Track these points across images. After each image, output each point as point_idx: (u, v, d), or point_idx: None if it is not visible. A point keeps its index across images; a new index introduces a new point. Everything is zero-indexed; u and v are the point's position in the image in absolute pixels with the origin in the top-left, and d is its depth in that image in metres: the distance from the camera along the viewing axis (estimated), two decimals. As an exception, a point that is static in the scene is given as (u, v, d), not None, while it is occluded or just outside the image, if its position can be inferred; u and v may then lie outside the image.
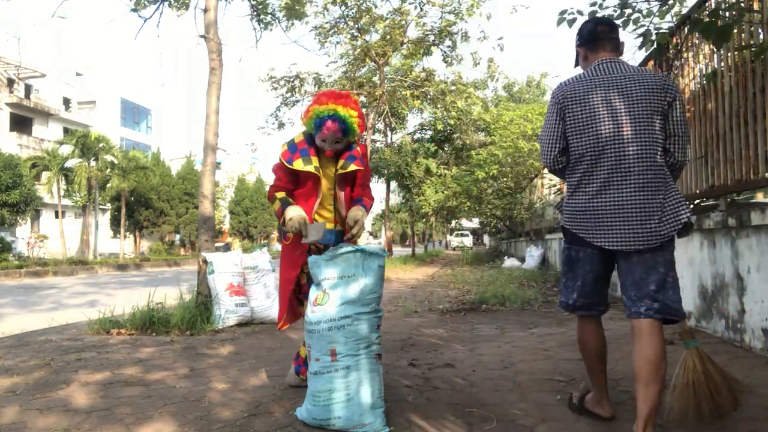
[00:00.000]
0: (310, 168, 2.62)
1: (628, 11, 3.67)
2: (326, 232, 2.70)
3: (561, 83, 2.33)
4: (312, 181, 2.70)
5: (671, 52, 4.65)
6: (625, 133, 2.12)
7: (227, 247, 27.77)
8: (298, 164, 2.63)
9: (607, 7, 3.68)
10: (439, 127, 20.14)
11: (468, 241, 43.94)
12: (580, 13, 3.73)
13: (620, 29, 3.61)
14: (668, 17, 4.18)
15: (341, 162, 2.68)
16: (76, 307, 7.03)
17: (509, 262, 13.68)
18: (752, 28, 3.47)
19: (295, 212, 2.58)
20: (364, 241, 34.26)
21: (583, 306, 2.31)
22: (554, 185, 10.35)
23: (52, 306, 7.45)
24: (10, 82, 29.94)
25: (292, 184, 2.73)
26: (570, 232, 2.27)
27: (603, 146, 2.14)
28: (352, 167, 2.66)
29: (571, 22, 3.73)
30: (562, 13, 3.75)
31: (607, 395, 2.38)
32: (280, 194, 2.71)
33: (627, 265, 2.17)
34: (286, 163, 2.66)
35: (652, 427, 2.01)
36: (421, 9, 12.43)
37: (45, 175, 24.08)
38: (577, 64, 2.50)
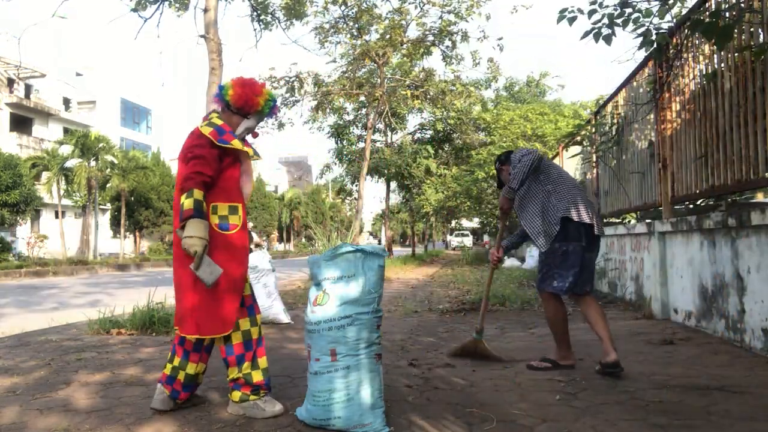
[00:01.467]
0: (250, 150, 2.51)
1: (628, 11, 3.67)
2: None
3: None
4: (238, 167, 2.54)
5: (671, 52, 4.65)
6: None
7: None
8: (237, 143, 2.47)
9: (607, 6, 3.68)
10: (439, 126, 20.14)
11: (468, 240, 43.95)
12: (580, 11, 3.73)
13: (620, 28, 3.62)
14: (668, 17, 4.17)
15: (249, 149, 2.61)
16: (76, 307, 7.02)
17: (509, 262, 13.68)
18: (752, 29, 3.47)
19: (204, 234, 2.32)
20: (365, 241, 34.29)
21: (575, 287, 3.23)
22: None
23: (53, 306, 7.45)
24: (10, 82, 29.94)
25: (215, 173, 2.44)
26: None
27: None
28: (252, 152, 2.61)
29: (571, 20, 3.73)
30: (563, 11, 3.75)
31: (571, 349, 3.33)
32: (199, 193, 2.35)
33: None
34: (219, 143, 2.42)
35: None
36: (422, 9, 12.43)
37: (45, 175, 24.08)
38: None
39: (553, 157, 11.43)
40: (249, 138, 2.71)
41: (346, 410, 2.25)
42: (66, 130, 31.12)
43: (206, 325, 2.44)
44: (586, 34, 3.71)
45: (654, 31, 3.78)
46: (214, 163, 2.43)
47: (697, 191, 4.36)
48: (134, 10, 6.90)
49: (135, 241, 29.41)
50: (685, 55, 4.52)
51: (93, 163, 24.34)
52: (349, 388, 2.26)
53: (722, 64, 3.86)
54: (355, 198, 21.87)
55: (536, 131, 15.57)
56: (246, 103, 2.57)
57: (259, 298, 5.25)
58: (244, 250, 2.62)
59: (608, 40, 3.67)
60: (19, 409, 2.63)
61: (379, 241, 37.56)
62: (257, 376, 2.50)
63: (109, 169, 24.97)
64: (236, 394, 2.50)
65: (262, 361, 2.55)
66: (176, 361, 2.54)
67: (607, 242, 6.96)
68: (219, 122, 2.54)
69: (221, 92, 2.61)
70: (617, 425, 2.29)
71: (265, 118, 2.68)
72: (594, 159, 7.89)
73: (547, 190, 3.28)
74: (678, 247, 4.68)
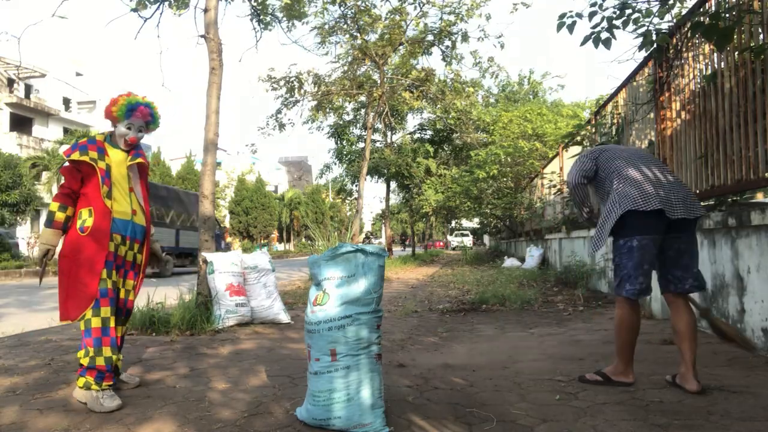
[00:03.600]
0: (86, 158, 2.83)
1: (628, 11, 3.67)
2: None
3: None
4: (96, 176, 2.84)
5: (671, 52, 4.65)
6: None
7: (227, 247, 27.75)
8: (75, 155, 2.83)
9: (606, 8, 3.68)
10: (439, 125, 20.13)
11: (468, 240, 43.97)
12: (579, 16, 3.73)
13: (620, 30, 3.62)
14: (668, 17, 4.18)
15: (130, 156, 2.99)
16: (76, 307, 7.00)
17: (509, 262, 13.68)
18: (752, 29, 3.47)
19: (56, 242, 2.86)
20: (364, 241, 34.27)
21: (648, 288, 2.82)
22: (554, 185, 10.33)
23: (53, 306, 7.44)
24: (10, 82, 29.93)
25: (76, 183, 2.83)
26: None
27: None
28: (139, 160, 3.01)
29: (571, 27, 3.73)
30: (562, 16, 3.76)
31: (631, 365, 2.88)
32: (60, 213, 2.81)
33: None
34: (66, 156, 2.88)
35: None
36: (421, 9, 12.42)
37: (45, 175, 24.07)
38: None
39: (553, 158, 11.42)
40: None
41: (346, 410, 2.25)
42: (66, 130, 31.12)
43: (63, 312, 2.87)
44: (586, 39, 3.71)
45: (654, 32, 3.79)
46: (70, 177, 2.84)
47: (697, 191, 4.36)
48: (134, 10, 6.89)
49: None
50: (685, 55, 4.52)
51: (93, 163, 24.31)
52: (349, 388, 2.26)
53: (722, 64, 3.86)
54: (355, 198, 21.87)
55: (536, 131, 15.58)
56: (109, 115, 2.98)
57: (259, 298, 5.26)
58: (98, 250, 2.84)
59: (608, 44, 3.67)
60: (19, 409, 2.63)
61: (369, 240, 37.48)
62: (100, 362, 2.71)
63: (109, 169, 24.93)
64: (81, 380, 2.72)
65: (107, 350, 2.75)
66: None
67: (607, 242, 6.96)
68: (82, 140, 2.95)
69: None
70: (617, 425, 2.29)
71: (136, 122, 2.98)
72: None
73: (607, 185, 2.93)
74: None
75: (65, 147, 24.26)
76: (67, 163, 2.84)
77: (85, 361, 2.70)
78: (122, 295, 2.98)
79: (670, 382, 2.84)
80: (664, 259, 2.82)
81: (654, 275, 2.87)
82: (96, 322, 2.75)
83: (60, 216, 2.80)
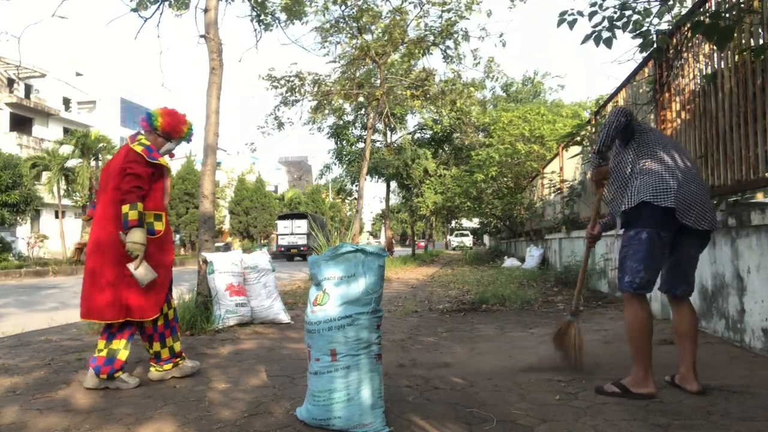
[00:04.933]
0: (165, 162, 3.14)
1: (628, 12, 3.67)
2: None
3: None
4: (162, 180, 3.14)
5: (671, 52, 4.65)
6: None
7: (227, 247, 27.78)
8: (163, 160, 3.12)
9: (607, 8, 3.68)
10: (439, 127, 20.13)
11: (468, 240, 43.98)
12: (580, 14, 3.73)
13: (620, 30, 3.62)
14: (667, 17, 4.18)
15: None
16: (76, 307, 6.99)
17: (509, 262, 13.68)
18: (752, 29, 3.47)
19: (145, 241, 2.93)
20: (364, 241, 34.29)
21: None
22: (554, 185, 10.34)
23: (53, 306, 7.44)
24: (10, 82, 29.92)
25: (148, 185, 3.03)
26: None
27: None
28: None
29: (572, 24, 3.73)
30: (563, 14, 3.76)
31: (651, 371, 2.64)
32: (140, 205, 2.93)
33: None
34: (150, 160, 3.02)
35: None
36: (421, 8, 12.41)
37: (45, 175, 24.05)
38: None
39: (553, 158, 11.42)
40: (166, 157, 3.27)
41: (346, 410, 2.25)
42: (66, 130, 31.09)
43: (137, 311, 3.03)
44: (587, 37, 3.71)
45: (654, 33, 3.79)
46: (147, 178, 3.00)
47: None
48: (134, 10, 6.89)
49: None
50: (685, 55, 4.52)
51: (93, 163, 24.31)
52: (349, 388, 2.26)
53: (722, 63, 3.86)
54: (355, 198, 21.87)
55: (534, 132, 15.57)
56: (173, 130, 3.23)
57: (259, 298, 5.26)
58: (167, 251, 3.17)
59: (609, 43, 3.67)
60: (19, 409, 2.63)
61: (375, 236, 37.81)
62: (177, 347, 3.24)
63: (109, 169, 24.91)
64: (168, 365, 3.18)
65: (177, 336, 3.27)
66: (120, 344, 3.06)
67: (606, 242, 6.96)
68: (147, 142, 3.10)
69: (150, 119, 3.20)
70: (617, 425, 2.29)
71: (183, 139, 3.32)
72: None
73: (634, 161, 2.73)
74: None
75: (66, 147, 24.27)
76: (146, 166, 3.00)
77: (165, 353, 3.17)
78: None
79: (669, 382, 2.82)
80: (669, 260, 2.74)
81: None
82: (171, 314, 3.24)
83: (141, 215, 2.94)
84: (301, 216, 26.97)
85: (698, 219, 2.59)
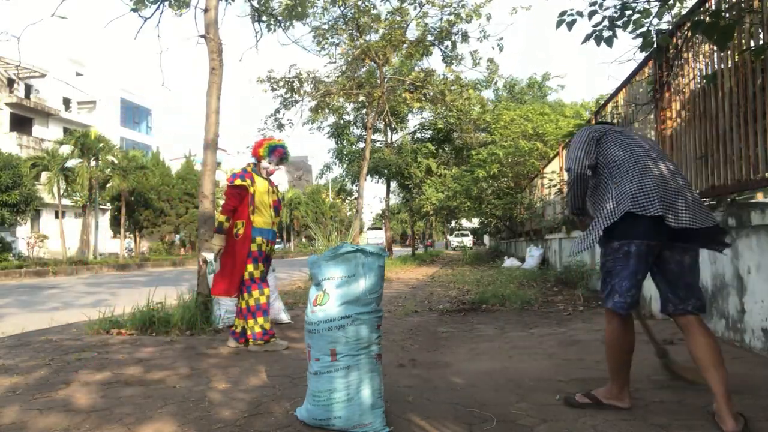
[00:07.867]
0: (245, 184, 4.08)
1: (628, 12, 3.67)
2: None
3: None
4: (247, 197, 4.07)
5: (671, 52, 4.65)
6: None
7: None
8: (238, 182, 4.07)
9: (607, 8, 3.67)
10: (440, 124, 20.12)
11: (468, 240, 43.96)
12: (579, 14, 3.72)
13: (621, 30, 3.61)
14: (668, 17, 4.18)
15: (272, 188, 4.29)
16: (76, 307, 7.03)
17: (509, 262, 13.67)
18: (752, 29, 3.47)
19: (223, 243, 4.04)
20: (365, 241, 34.35)
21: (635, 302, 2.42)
22: (554, 185, 10.33)
23: (54, 306, 7.45)
24: (10, 82, 29.92)
25: (236, 202, 4.03)
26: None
27: None
28: (277, 195, 4.34)
29: (570, 25, 3.72)
30: (562, 14, 3.75)
31: (627, 387, 2.51)
32: (222, 216, 4.02)
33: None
34: (230, 183, 4.11)
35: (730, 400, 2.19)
36: (421, 9, 12.41)
37: (45, 175, 24.04)
38: None
39: (553, 157, 11.42)
40: (275, 176, 4.39)
41: (346, 410, 2.25)
42: (66, 130, 31.09)
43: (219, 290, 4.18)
44: (588, 37, 3.70)
45: (654, 33, 3.78)
46: (234, 198, 4.04)
47: (697, 191, 4.35)
48: (134, 9, 6.88)
49: (135, 242, 29.36)
50: (685, 55, 4.52)
51: (93, 163, 24.30)
52: (349, 388, 2.26)
53: (722, 64, 3.86)
54: (355, 198, 21.87)
55: (537, 130, 15.57)
56: (256, 155, 4.26)
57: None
58: (245, 249, 4.13)
59: (610, 42, 3.66)
60: (19, 409, 2.63)
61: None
62: (267, 326, 4.12)
63: (109, 169, 24.93)
64: (260, 342, 4.06)
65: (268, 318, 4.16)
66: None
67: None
68: (238, 170, 4.18)
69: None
70: (617, 425, 2.29)
71: (275, 159, 4.23)
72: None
73: (606, 179, 2.46)
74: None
75: (66, 147, 24.28)
76: (231, 188, 4.04)
77: (258, 329, 4.03)
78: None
79: (710, 419, 2.31)
80: (664, 272, 2.38)
81: (654, 286, 2.52)
82: (263, 300, 4.08)
83: (226, 225, 4.00)
84: (378, 228, 32.15)
85: (695, 218, 2.24)
